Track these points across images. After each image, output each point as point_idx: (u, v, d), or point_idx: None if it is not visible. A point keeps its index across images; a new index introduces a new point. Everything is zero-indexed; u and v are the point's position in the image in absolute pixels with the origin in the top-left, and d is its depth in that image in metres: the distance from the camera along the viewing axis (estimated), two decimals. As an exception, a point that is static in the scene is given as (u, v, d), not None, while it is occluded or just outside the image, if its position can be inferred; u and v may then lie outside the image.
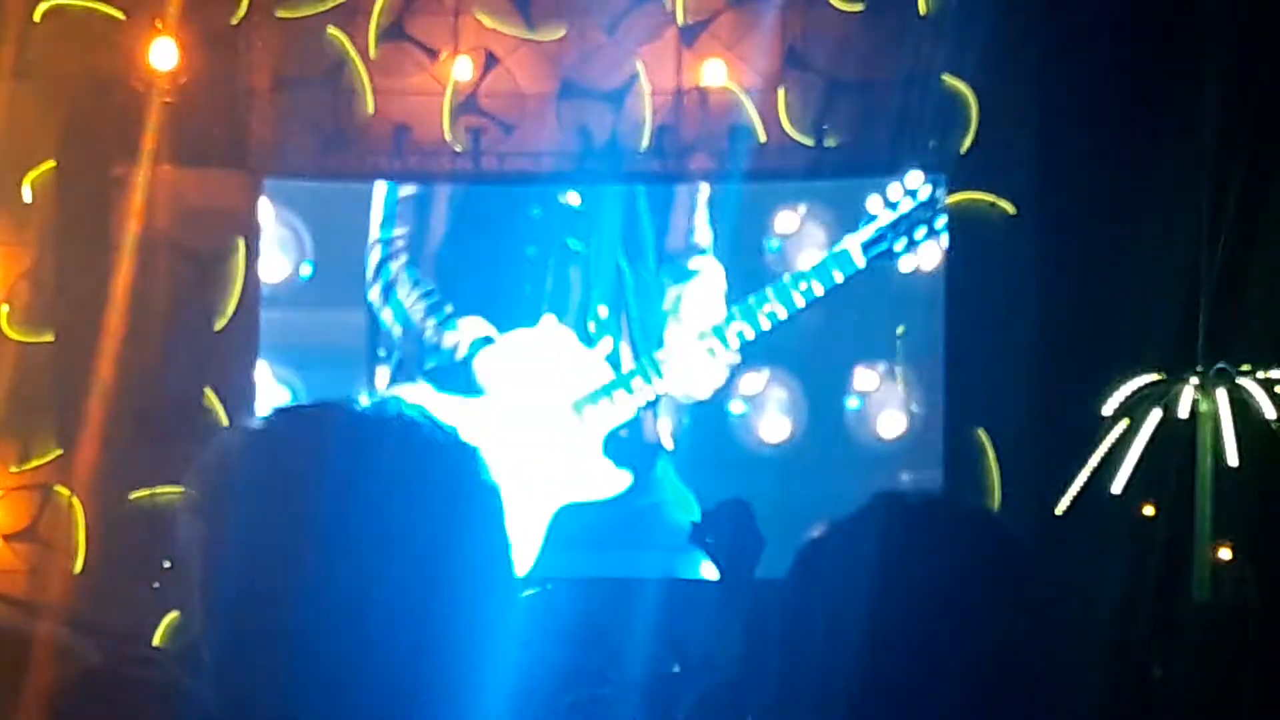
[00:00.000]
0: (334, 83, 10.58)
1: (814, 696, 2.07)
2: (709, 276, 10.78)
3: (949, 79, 10.10)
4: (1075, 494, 9.99)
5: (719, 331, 10.41)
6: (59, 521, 10.17)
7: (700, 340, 10.43)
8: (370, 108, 10.58)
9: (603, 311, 10.68)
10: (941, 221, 10.05)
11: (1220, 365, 9.91)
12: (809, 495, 10.51)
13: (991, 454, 10.25)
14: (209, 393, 10.39)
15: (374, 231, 10.69)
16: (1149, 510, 10.22)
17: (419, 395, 10.58)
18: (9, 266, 10.40)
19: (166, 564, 10.10)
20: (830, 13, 10.26)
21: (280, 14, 10.55)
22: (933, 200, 10.02)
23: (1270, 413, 9.80)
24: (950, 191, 10.14)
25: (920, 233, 10.04)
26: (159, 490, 10.18)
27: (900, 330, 10.65)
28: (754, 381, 10.91)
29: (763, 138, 10.43)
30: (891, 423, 10.82)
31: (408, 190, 10.69)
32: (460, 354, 10.55)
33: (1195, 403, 9.97)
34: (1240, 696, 7.41)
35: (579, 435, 10.62)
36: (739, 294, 10.52)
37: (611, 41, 10.57)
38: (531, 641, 2.31)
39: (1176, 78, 9.38)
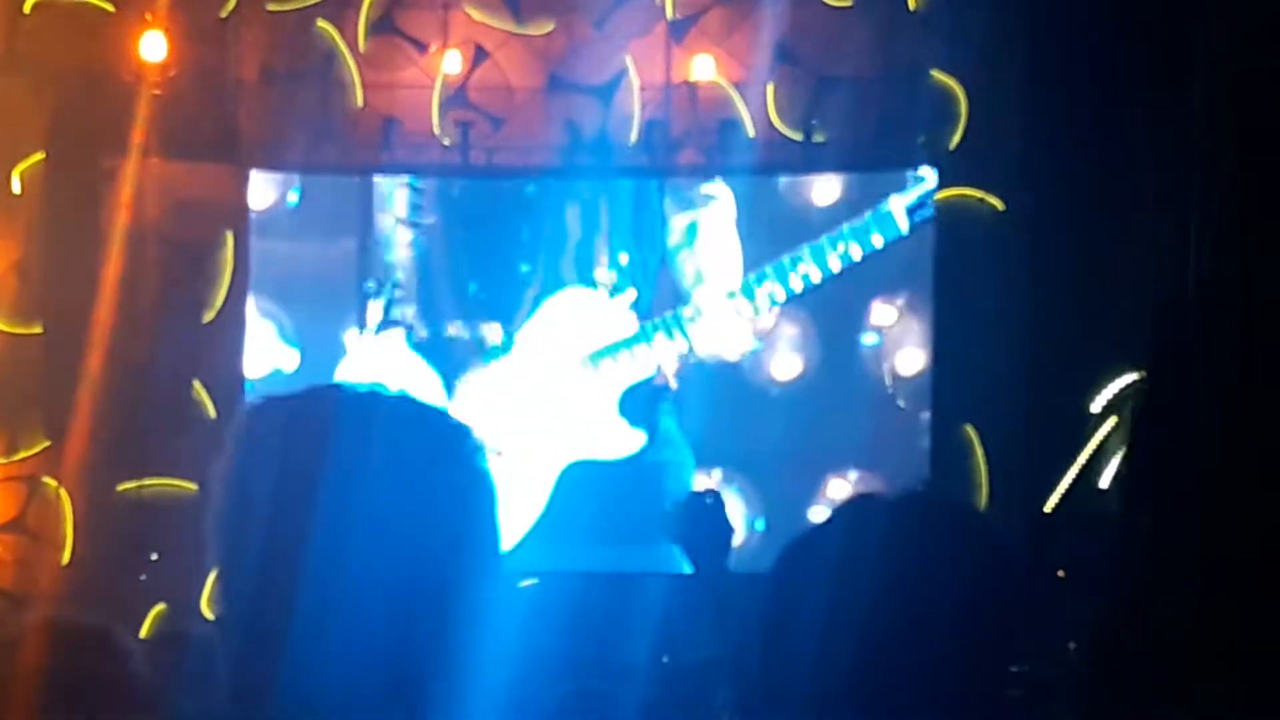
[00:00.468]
0: (323, 76, 10.58)
1: (797, 690, 2.08)
2: (720, 204, 10.64)
3: (938, 74, 10.11)
4: (1064, 491, 10.01)
5: (748, 291, 10.31)
6: (47, 513, 10.17)
7: (729, 300, 10.34)
8: (359, 101, 10.58)
9: (621, 259, 10.63)
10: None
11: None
12: (821, 436, 10.50)
13: (980, 451, 10.26)
14: (197, 385, 10.39)
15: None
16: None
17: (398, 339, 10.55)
18: (-2, 258, 10.40)
19: (154, 556, 10.11)
20: (820, 8, 10.27)
21: (270, 7, 10.56)
22: None
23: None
24: (939, 187, 10.15)
25: None
26: (147, 482, 10.20)
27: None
28: (764, 317, 10.56)
29: (751, 132, 10.43)
30: (911, 360, 10.52)
31: None
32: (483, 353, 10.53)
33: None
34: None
35: (594, 390, 10.51)
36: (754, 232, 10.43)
37: (601, 36, 10.58)
38: (524, 633, 2.32)
39: (1166, 74, 9.38)
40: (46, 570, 10.01)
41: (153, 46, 10.23)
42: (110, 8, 10.34)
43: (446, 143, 10.58)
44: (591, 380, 10.51)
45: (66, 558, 10.12)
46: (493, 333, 10.59)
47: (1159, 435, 6.73)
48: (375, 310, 10.70)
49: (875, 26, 10.24)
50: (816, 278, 10.18)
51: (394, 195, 10.73)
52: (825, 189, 10.57)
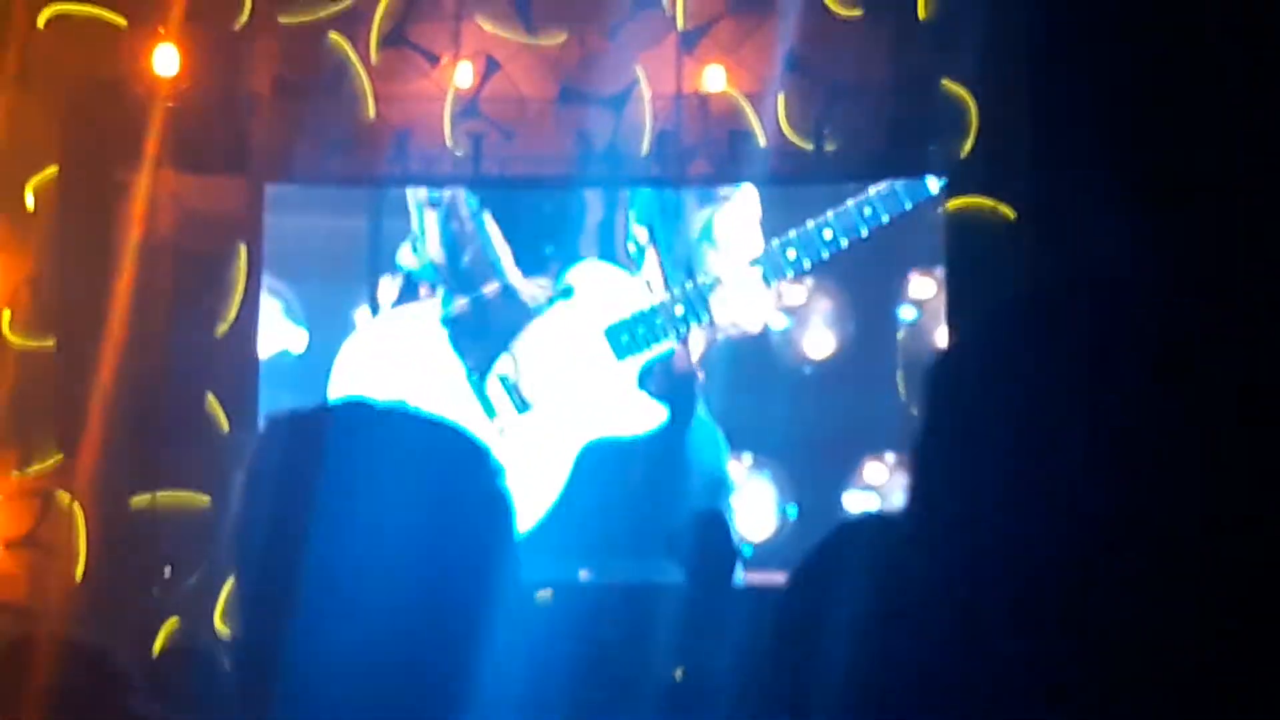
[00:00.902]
0: (336, 88, 10.59)
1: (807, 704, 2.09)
2: (743, 201, 10.55)
3: (949, 84, 10.10)
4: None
5: (772, 259, 10.16)
6: (60, 527, 10.18)
7: (751, 267, 10.21)
8: (371, 113, 10.59)
9: (641, 234, 10.58)
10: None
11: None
12: (856, 417, 10.17)
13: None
14: (210, 398, 10.40)
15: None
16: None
17: (426, 315, 10.50)
18: (11, 272, 10.41)
19: (167, 570, 10.12)
20: (829, 18, 10.27)
21: (282, 20, 10.58)
22: None
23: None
24: (950, 196, 10.13)
25: None
26: (160, 496, 10.21)
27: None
28: (796, 292, 10.39)
29: (763, 142, 10.43)
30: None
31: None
32: (506, 324, 10.43)
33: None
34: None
35: (613, 366, 10.39)
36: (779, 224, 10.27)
37: (612, 47, 10.59)
38: (536, 647, 2.32)
39: (1177, 83, 9.37)
40: (60, 584, 10.03)
41: (165, 60, 10.25)
42: (123, 22, 10.37)
43: (459, 154, 10.58)
44: (611, 355, 10.40)
45: (80, 571, 10.13)
46: (534, 289, 10.49)
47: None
48: (389, 286, 10.66)
49: (885, 36, 10.23)
50: (845, 245, 9.97)
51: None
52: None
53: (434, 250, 10.61)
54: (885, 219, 10.00)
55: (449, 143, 10.55)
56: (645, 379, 10.37)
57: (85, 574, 10.13)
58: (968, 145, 10.12)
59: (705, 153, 10.54)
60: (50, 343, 10.34)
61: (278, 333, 10.66)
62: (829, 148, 10.33)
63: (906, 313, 10.44)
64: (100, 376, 9.96)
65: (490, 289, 10.52)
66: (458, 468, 2.10)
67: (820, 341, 10.40)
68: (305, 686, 1.97)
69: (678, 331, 10.33)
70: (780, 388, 10.28)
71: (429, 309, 10.58)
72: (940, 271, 10.29)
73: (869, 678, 1.93)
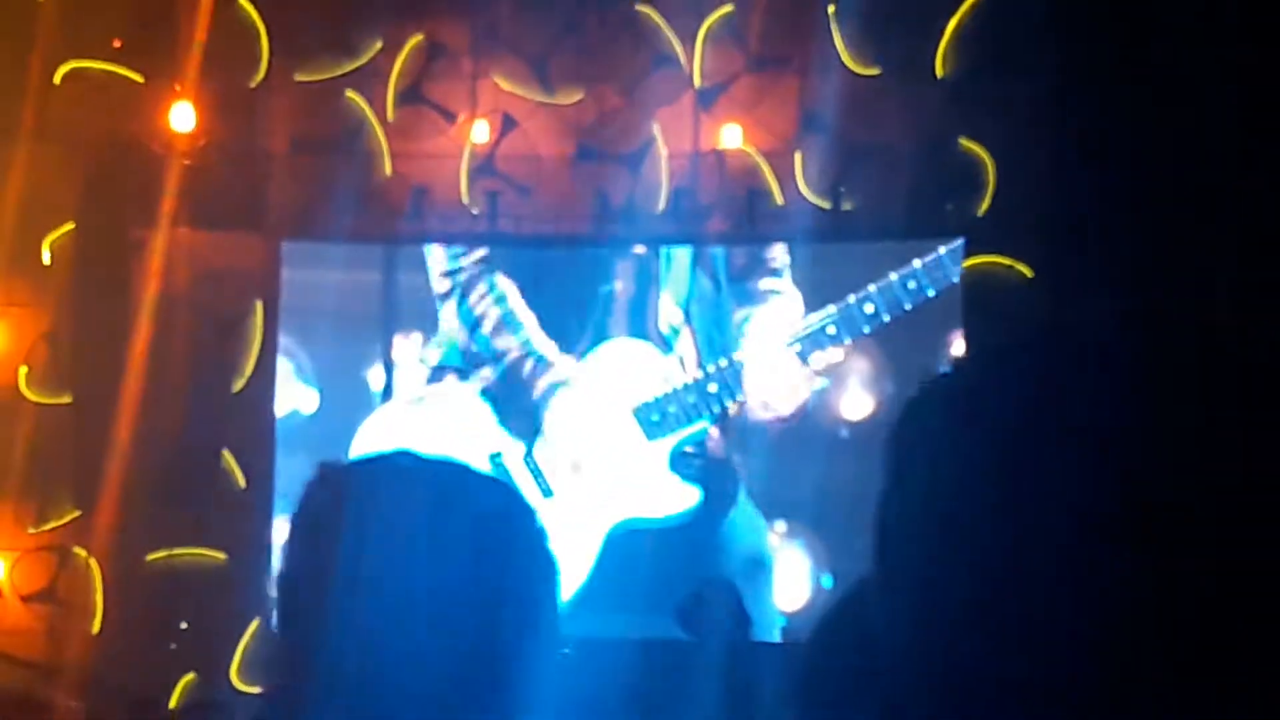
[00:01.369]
0: (352, 146, 10.61)
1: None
2: (783, 303, 10.44)
3: (966, 142, 10.11)
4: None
5: (811, 338, 10.03)
6: (77, 582, 10.17)
7: (788, 347, 10.08)
8: (388, 170, 10.61)
9: (676, 316, 10.54)
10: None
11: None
12: None
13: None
14: (227, 454, 10.40)
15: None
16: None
17: (462, 395, 10.41)
18: (28, 328, 10.42)
19: (184, 625, 10.11)
20: (847, 76, 10.29)
21: (299, 77, 10.61)
22: None
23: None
24: (967, 255, 10.13)
25: None
26: (176, 551, 10.21)
27: None
28: (832, 352, 10.07)
29: (780, 200, 10.43)
30: None
31: None
32: (536, 394, 10.38)
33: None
34: None
35: (644, 446, 10.27)
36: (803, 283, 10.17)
37: (629, 105, 10.61)
38: (565, 703, 2.32)
39: (1196, 142, 9.39)
40: (77, 639, 10.01)
41: (182, 117, 10.29)
42: (140, 78, 10.40)
43: (475, 211, 10.59)
44: (641, 435, 10.31)
45: (97, 627, 10.12)
46: (562, 364, 10.42)
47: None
48: (414, 360, 10.60)
49: (903, 94, 10.25)
50: (887, 319, 9.82)
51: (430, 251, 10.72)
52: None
53: (452, 330, 10.57)
54: (931, 293, 9.87)
55: (465, 200, 10.56)
56: (677, 461, 10.24)
57: (102, 629, 10.11)
58: (985, 203, 10.12)
59: (722, 210, 10.55)
60: (67, 399, 10.36)
61: (289, 393, 10.65)
62: (846, 206, 10.33)
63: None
64: (117, 433, 9.98)
65: (514, 355, 10.45)
66: (509, 522, 2.11)
67: (858, 403, 10.27)
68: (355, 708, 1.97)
69: (710, 411, 10.19)
70: (816, 451, 10.09)
71: (461, 388, 10.47)
72: None
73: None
